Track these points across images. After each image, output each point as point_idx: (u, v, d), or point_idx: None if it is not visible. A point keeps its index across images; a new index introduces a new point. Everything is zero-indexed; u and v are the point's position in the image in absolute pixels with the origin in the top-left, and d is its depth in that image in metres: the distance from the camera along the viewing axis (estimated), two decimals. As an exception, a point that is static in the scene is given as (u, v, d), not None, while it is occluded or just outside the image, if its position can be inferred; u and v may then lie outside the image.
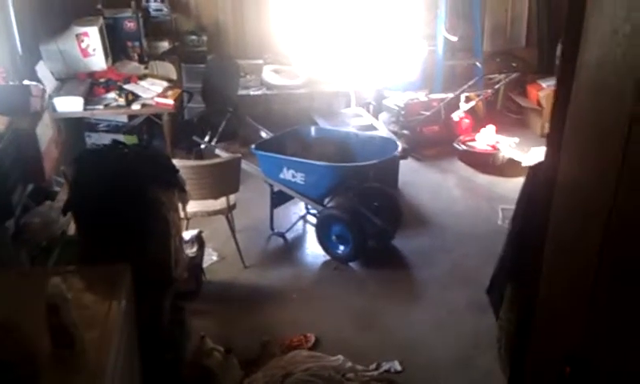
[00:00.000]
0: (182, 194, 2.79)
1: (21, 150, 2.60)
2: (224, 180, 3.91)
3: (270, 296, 3.98)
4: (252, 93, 6.13)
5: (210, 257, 4.24)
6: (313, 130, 4.80)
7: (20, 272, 2.47)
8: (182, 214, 3.16)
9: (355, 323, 3.71)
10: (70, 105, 4.57)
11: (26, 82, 3.39)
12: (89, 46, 5.06)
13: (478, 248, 4.41)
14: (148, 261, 2.55)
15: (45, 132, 2.82)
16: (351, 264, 4.27)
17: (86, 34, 5.04)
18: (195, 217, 4.02)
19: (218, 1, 6.48)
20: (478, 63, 6.82)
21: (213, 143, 4.72)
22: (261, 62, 6.38)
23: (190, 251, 3.68)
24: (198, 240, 3.80)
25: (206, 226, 4.22)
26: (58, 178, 3.67)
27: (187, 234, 3.78)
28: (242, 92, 6.00)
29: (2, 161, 2.43)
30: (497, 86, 6.21)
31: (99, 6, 5.69)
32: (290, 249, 4.55)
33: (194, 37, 6.26)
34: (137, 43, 5.74)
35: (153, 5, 6.08)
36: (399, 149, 4.32)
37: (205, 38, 6.29)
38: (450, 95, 6.04)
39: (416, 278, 4.20)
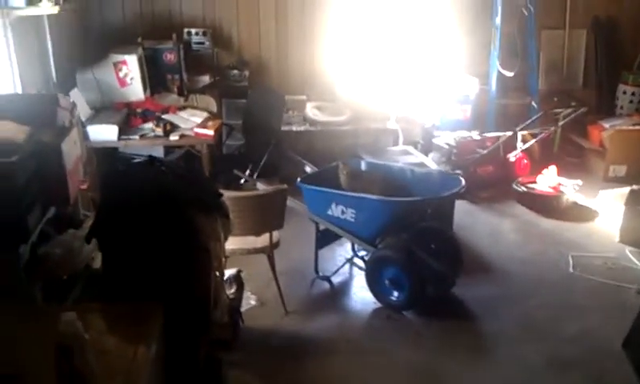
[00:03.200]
0: (225, 221, 2.40)
1: (42, 166, 2.26)
2: (268, 214, 3.52)
3: (314, 347, 3.52)
4: (294, 129, 5.82)
5: (249, 301, 3.82)
6: (363, 164, 4.41)
7: (31, 308, 2.08)
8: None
9: (411, 382, 3.21)
10: (104, 133, 4.31)
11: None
12: (127, 75, 4.83)
13: (551, 298, 3.94)
14: (183, 298, 2.15)
15: (72, 149, 2.50)
16: (406, 313, 3.80)
17: (124, 63, 4.81)
18: (234, 255, 3.63)
19: (261, 36, 6.26)
20: (533, 102, 6.40)
21: (254, 177, 4.36)
22: (304, 97, 6.08)
23: (228, 292, 3.27)
24: (237, 280, 3.39)
25: (245, 267, 3.80)
26: (86, 213, 3.33)
27: (225, 273, 3.38)
28: (284, 128, 5.70)
29: (19, 175, 2.09)
30: (561, 122, 5.75)
31: (139, 39, 5.50)
32: (337, 294, 4.11)
33: (235, 71, 6.00)
34: (177, 76, 5.51)
35: (194, 38, 5.87)
36: (463, 183, 3.88)
37: (247, 72, 6.03)
38: (508, 133, 5.61)
39: (482, 330, 3.70)
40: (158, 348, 1.98)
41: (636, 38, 6.76)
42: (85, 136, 4.29)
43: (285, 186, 3.62)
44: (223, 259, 2.57)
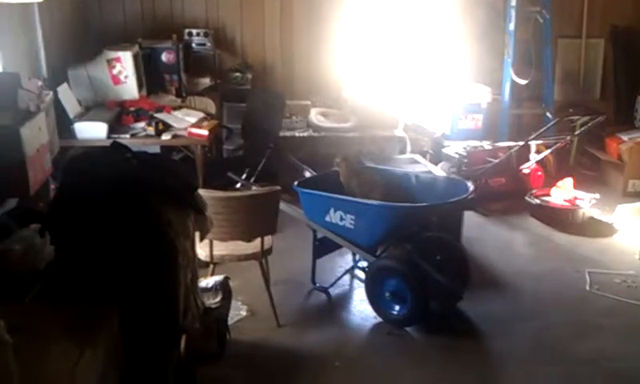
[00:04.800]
0: (200, 217, 2.14)
1: (-2, 152, 2.03)
2: (259, 217, 3.27)
3: (308, 363, 3.25)
4: (297, 134, 5.57)
5: (238, 311, 3.56)
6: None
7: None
8: (198, 245, 2.50)
9: (414, 404, 2.93)
10: (92, 131, 4.08)
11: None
12: (121, 72, 4.62)
13: (565, 317, 3.64)
14: (146, 301, 1.89)
15: (35, 136, 2.26)
16: (408, 329, 3.51)
17: (118, 60, 4.61)
18: (223, 262, 3.38)
19: (266, 39, 6.05)
20: (548, 113, 6.12)
21: (250, 181, 4.11)
22: (308, 102, 5.85)
23: (213, 301, 3.02)
24: (224, 288, 3.13)
25: (235, 275, 3.56)
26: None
27: (211, 280, 3.13)
28: (286, 133, 5.47)
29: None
30: (578, 132, 5.47)
31: (139, 40, 5.30)
32: (334, 307, 3.83)
33: (237, 74, 5.78)
34: (175, 77, 5.30)
35: (195, 39, 5.67)
36: (471, 190, 3.60)
37: (249, 75, 5.82)
38: (520, 143, 5.32)
39: (490, 349, 3.39)
40: (110, 356, 1.72)
41: (657, 48, 6.47)
42: (72, 134, 4.10)
43: (278, 187, 3.36)
44: (195, 259, 2.30)
